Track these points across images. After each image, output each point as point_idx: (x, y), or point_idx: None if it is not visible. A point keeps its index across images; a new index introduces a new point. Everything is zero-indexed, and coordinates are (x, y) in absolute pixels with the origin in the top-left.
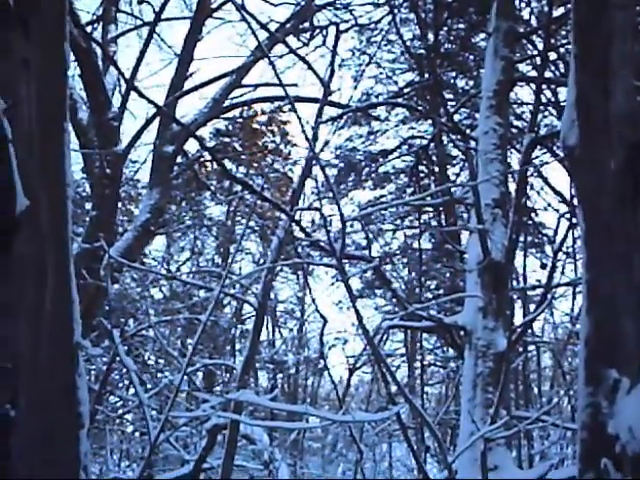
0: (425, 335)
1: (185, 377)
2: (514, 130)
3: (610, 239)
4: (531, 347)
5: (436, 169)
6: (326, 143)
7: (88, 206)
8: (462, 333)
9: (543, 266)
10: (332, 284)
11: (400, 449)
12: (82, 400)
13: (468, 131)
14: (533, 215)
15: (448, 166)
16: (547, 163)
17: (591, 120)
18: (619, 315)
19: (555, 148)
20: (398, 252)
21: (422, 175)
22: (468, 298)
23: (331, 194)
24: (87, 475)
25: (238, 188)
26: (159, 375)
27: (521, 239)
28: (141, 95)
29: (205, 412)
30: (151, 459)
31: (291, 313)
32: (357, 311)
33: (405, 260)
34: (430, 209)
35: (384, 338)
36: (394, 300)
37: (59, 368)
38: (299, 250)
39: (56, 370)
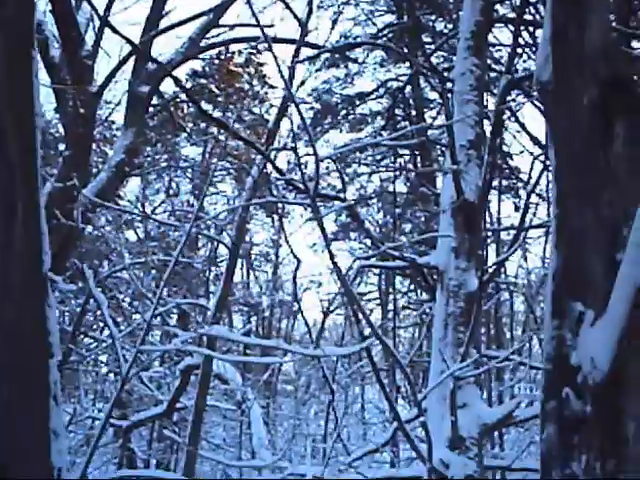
0: (399, 278)
1: (159, 318)
2: (492, 74)
3: (580, 174)
4: (505, 292)
5: (413, 112)
6: (302, 83)
7: (62, 147)
8: (434, 273)
9: (517, 208)
10: (306, 223)
11: (373, 392)
12: (52, 330)
13: (445, 73)
14: (509, 160)
15: (425, 110)
16: (523, 104)
17: (565, 55)
18: (587, 249)
19: (531, 91)
20: (374, 195)
21: (399, 118)
22: (441, 239)
23: (306, 134)
24: (57, 404)
25: (214, 130)
26: (133, 317)
27: (496, 183)
28: (115, 32)
29: (176, 346)
30: (122, 394)
31: (266, 256)
32: (330, 250)
33: (380, 204)
34: (406, 152)
35: (357, 280)
36: (368, 242)
37: (29, 298)
38: (274, 192)
39: (26, 300)
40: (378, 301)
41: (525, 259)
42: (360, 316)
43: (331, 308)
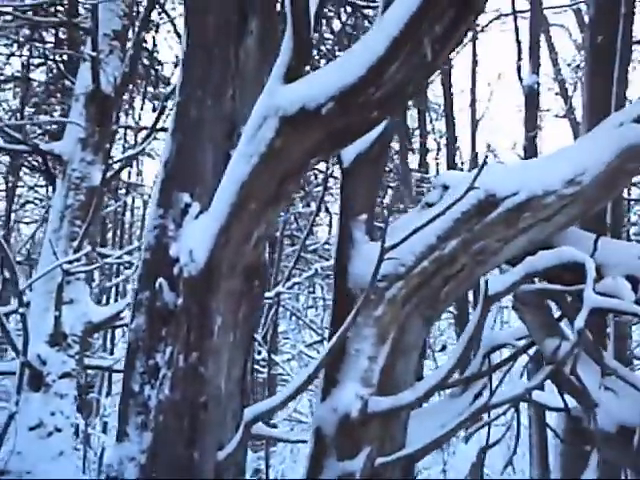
0: (27, 171)
1: None
2: None
3: (208, 64)
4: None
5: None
6: None
7: None
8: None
9: (154, 109)
10: None
11: None
12: None
13: None
14: (159, 68)
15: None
16: None
17: None
18: (202, 141)
19: None
20: (11, 80)
21: None
22: (69, 129)
23: None
24: None
25: None
26: None
27: (142, 89)
28: None
29: None
30: None
31: None
32: None
33: (17, 90)
34: (52, 41)
35: None
36: None
37: None
38: None
39: None
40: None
41: None
42: None
43: None
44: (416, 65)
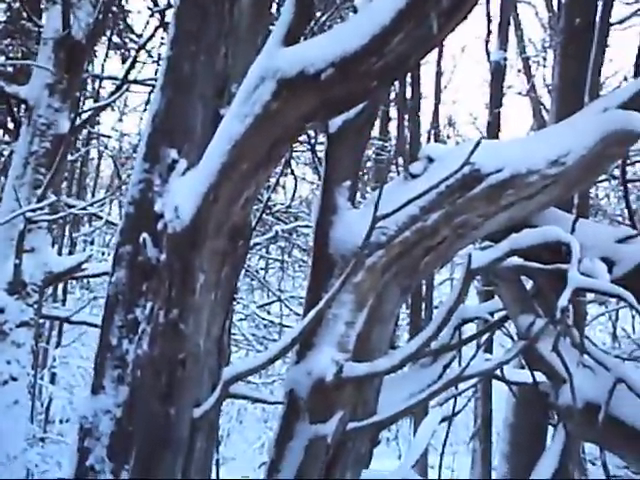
0: None
1: None
2: None
3: (204, 18)
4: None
5: None
6: None
7: None
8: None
9: (124, 61)
10: None
11: None
12: None
13: None
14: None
15: None
16: None
17: None
18: (192, 98)
19: None
20: None
21: None
22: (36, 73)
23: None
24: None
25: None
26: None
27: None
28: None
29: None
30: None
31: None
32: None
33: None
34: None
35: None
36: None
37: None
38: None
39: None
40: None
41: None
42: None
43: None
44: (420, 38)
